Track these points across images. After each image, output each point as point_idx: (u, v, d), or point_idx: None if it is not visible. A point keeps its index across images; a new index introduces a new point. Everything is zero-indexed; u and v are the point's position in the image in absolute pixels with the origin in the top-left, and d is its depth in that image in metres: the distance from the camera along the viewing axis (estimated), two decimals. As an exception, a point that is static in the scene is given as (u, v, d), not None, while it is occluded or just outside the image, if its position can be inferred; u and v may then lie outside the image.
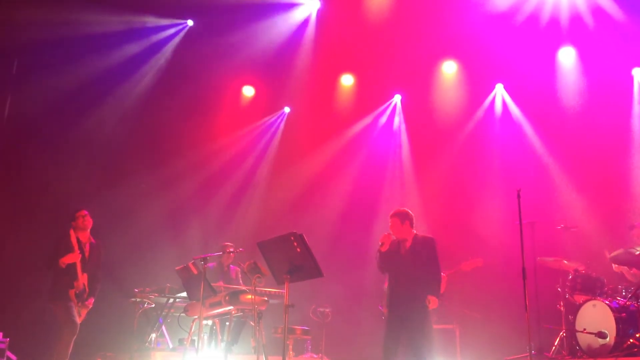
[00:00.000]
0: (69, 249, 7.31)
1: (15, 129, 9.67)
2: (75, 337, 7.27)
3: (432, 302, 6.45)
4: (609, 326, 6.76)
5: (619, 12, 9.38)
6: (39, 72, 9.68)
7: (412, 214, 6.83)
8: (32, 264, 8.27)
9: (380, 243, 6.70)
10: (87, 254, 7.56)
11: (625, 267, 7.57)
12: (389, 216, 6.84)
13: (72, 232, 7.40)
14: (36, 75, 9.69)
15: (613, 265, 7.78)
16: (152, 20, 10.41)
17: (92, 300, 7.54)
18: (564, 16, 9.71)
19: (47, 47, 9.58)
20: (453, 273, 7.89)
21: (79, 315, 7.39)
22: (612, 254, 7.53)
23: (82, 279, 7.38)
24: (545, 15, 9.74)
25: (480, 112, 10.81)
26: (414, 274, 6.56)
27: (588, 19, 9.60)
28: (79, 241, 7.51)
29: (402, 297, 6.57)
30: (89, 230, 7.64)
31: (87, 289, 7.43)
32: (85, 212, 7.64)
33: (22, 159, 9.64)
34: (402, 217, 6.75)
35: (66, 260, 7.26)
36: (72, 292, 7.30)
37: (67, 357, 7.21)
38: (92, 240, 7.69)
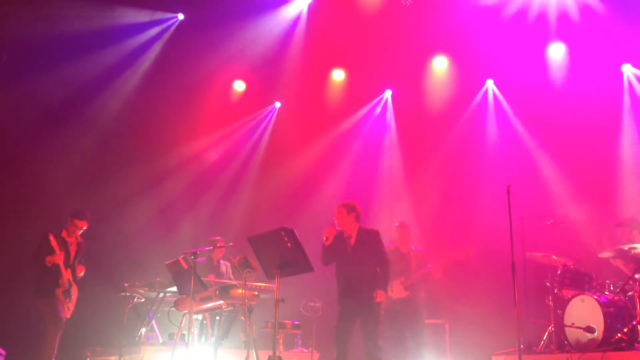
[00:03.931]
0: (50, 252, 7.34)
1: (4, 126, 9.59)
2: (60, 332, 7.30)
3: (380, 296, 6.62)
4: (597, 321, 6.79)
5: (608, 8, 9.42)
6: (28, 70, 9.61)
7: (359, 208, 6.95)
8: (22, 260, 8.24)
9: (324, 237, 6.80)
10: (72, 253, 7.65)
11: (622, 261, 7.59)
12: (337, 206, 6.94)
13: (51, 237, 7.40)
14: (24, 73, 9.61)
15: (610, 259, 7.78)
16: (142, 14, 10.35)
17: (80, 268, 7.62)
18: (554, 12, 9.74)
19: (35, 43, 9.49)
20: (446, 262, 7.91)
21: (68, 309, 7.44)
22: (603, 254, 7.56)
23: (67, 275, 7.47)
24: (535, 11, 9.76)
25: (470, 108, 10.84)
26: (361, 269, 6.73)
27: (577, 15, 9.64)
28: (64, 241, 7.53)
29: (352, 291, 6.73)
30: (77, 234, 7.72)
31: (72, 283, 7.54)
32: (84, 224, 7.65)
33: (11, 156, 9.56)
34: (349, 209, 6.87)
35: (51, 259, 7.33)
36: (59, 291, 7.36)
37: (54, 353, 7.24)
38: (80, 240, 7.76)
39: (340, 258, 6.85)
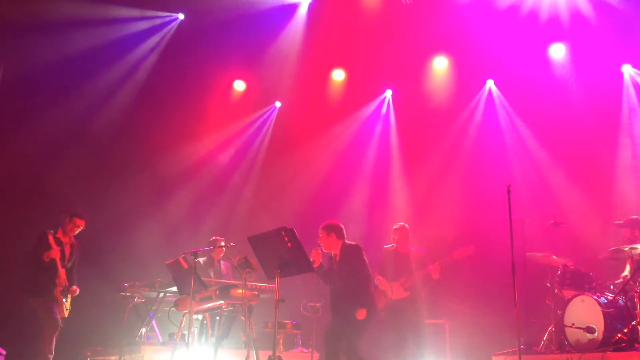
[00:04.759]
0: (47, 248, 7.37)
1: (6, 128, 9.61)
2: (57, 333, 7.30)
3: (360, 314, 6.72)
4: (597, 321, 6.80)
5: (609, 9, 9.41)
6: (27, 71, 9.62)
7: (340, 225, 7.07)
8: (21, 260, 8.27)
9: (311, 261, 6.83)
10: (67, 254, 7.67)
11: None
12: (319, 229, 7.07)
13: (49, 235, 7.45)
14: (24, 73, 9.62)
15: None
16: (143, 14, 10.35)
17: (75, 287, 7.66)
18: (555, 13, 9.73)
19: (35, 42, 9.49)
20: (445, 261, 7.91)
21: (65, 309, 7.45)
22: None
23: (62, 274, 7.48)
24: (536, 12, 9.76)
25: (470, 108, 10.84)
26: (344, 287, 6.89)
27: (578, 16, 9.64)
28: (59, 241, 7.56)
29: (339, 307, 6.93)
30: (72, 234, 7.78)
31: (67, 283, 7.55)
32: (82, 222, 7.72)
33: (10, 158, 9.57)
34: (328, 230, 7.02)
35: (48, 254, 7.36)
36: (57, 290, 7.37)
37: (51, 353, 7.23)
38: (73, 241, 7.80)
39: (331, 276, 7.05)
